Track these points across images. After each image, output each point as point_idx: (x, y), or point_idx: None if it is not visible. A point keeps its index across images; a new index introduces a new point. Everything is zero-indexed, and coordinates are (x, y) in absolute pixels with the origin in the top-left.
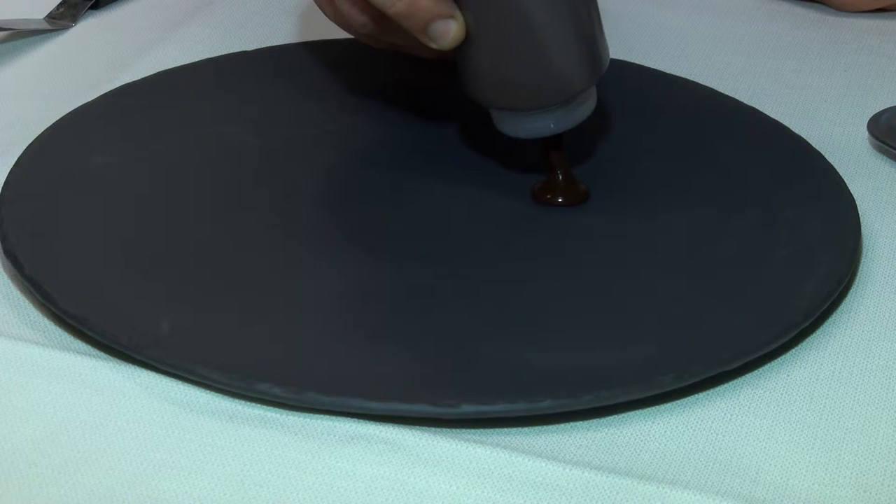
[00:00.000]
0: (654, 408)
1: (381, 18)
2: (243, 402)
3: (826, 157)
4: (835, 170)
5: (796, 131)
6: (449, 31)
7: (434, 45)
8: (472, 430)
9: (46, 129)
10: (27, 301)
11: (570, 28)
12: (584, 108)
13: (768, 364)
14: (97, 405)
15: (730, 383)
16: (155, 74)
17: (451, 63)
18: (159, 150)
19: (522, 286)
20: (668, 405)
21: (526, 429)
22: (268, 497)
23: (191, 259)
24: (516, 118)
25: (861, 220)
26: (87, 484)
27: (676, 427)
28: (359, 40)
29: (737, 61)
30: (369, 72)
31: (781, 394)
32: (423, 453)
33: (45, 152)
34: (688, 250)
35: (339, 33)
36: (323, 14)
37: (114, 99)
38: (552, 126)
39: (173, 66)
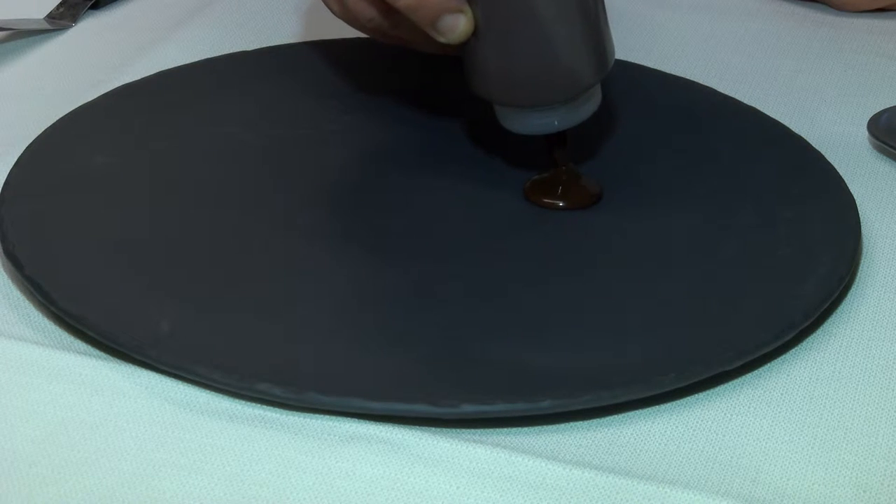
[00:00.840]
0: (654, 408)
1: (388, 12)
2: (243, 402)
3: (826, 157)
4: (835, 170)
5: (796, 131)
6: (457, 26)
7: (442, 40)
8: (472, 430)
9: (46, 129)
10: (27, 301)
11: (577, 26)
12: (589, 106)
13: (768, 364)
14: (97, 405)
15: (730, 383)
16: (155, 74)
17: (455, 59)
18: (159, 149)
19: (522, 286)
20: (668, 405)
21: (526, 429)
22: (268, 497)
23: (191, 259)
24: (520, 114)
25: (861, 220)
26: (87, 484)
27: (676, 427)
28: (364, 35)
29: (737, 61)
30: (370, 72)
31: (781, 394)
32: (423, 453)
33: (45, 152)
34: (688, 250)
35: (339, 33)
36: (324, 13)
37: (114, 99)
38: (556, 123)
39: (173, 66)
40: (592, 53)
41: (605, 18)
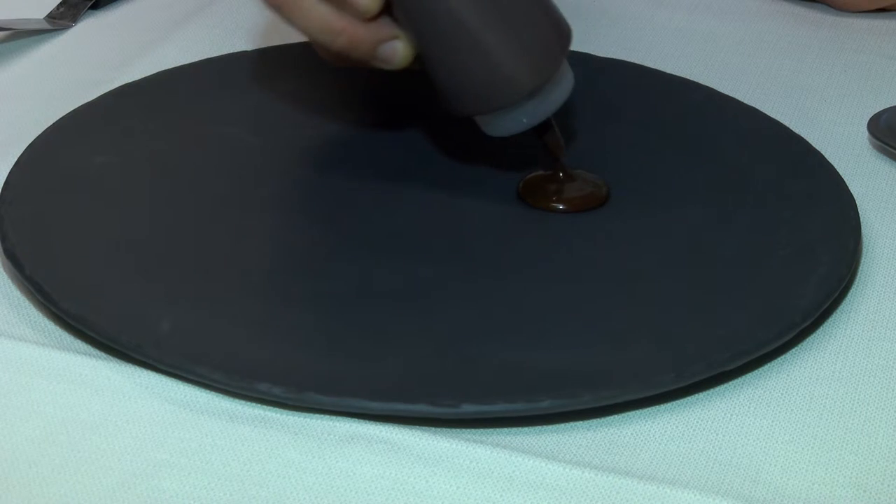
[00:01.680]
0: (654, 408)
1: (336, 54)
2: (243, 402)
3: (826, 157)
4: (835, 170)
5: (796, 131)
6: (396, 52)
7: (388, 67)
8: (472, 430)
9: (46, 129)
10: (27, 301)
11: (505, 29)
12: (557, 95)
13: (768, 364)
14: (97, 405)
15: (730, 383)
16: (155, 74)
17: None
18: (159, 150)
19: (522, 286)
20: (668, 405)
21: (526, 429)
22: (268, 497)
23: (191, 259)
24: (489, 120)
25: (861, 220)
26: (87, 484)
27: (676, 427)
28: None
29: (737, 61)
30: (368, 72)
31: (781, 394)
32: (423, 453)
33: (45, 152)
34: (688, 250)
35: None
36: None
37: (114, 99)
38: (525, 121)
39: (173, 66)
40: (530, 52)
41: (546, 10)
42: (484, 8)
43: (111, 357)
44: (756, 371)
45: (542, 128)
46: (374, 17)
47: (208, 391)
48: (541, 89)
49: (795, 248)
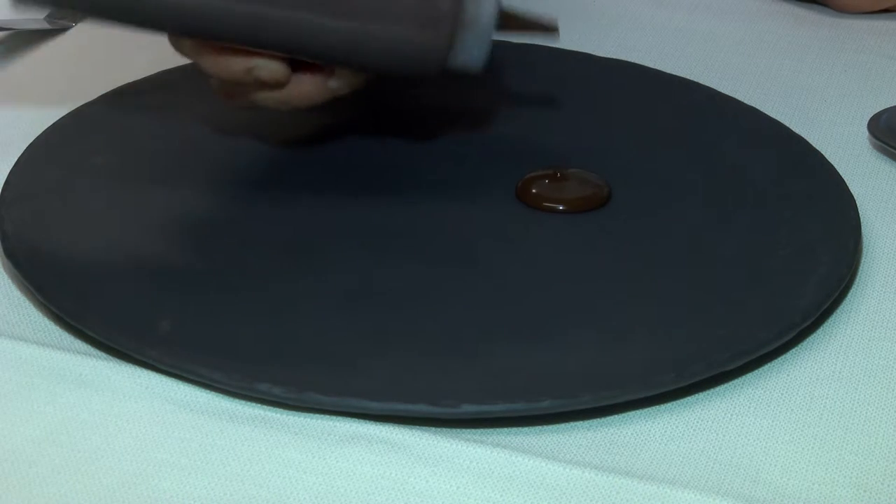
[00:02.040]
0: (654, 408)
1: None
2: (243, 402)
3: (826, 157)
4: (835, 170)
5: (796, 131)
6: (340, 83)
7: (350, 91)
8: (472, 430)
9: (46, 129)
10: (27, 301)
11: (382, 12)
12: (481, 14)
13: (768, 364)
14: (97, 405)
15: (730, 383)
16: (155, 74)
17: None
18: (159, 150)
19: (522, 286)
20: (668, 405)
21: (526, 429)
22: (268, 497)
23: (191, 259)
24: (453, 66)
25: (861, 220)
26: (87, 484)
27: (676, 427)
28: None
29: (737, 61)
30: None
31: (781, 394)
32: (423, 453)
33: (45, 152)
34: (688, 250)
35: None
36: None
37: (114, 99)
38: (475, 52)
39: (173, 66)
40: (420, 9)
41: None
42: (345, 9)
43: (111, 357)
44: (756, 371)
45: (510, 29)
46: (289, 77)
47: (208, 391)
48: (461, 23)
49: (795, 248)
